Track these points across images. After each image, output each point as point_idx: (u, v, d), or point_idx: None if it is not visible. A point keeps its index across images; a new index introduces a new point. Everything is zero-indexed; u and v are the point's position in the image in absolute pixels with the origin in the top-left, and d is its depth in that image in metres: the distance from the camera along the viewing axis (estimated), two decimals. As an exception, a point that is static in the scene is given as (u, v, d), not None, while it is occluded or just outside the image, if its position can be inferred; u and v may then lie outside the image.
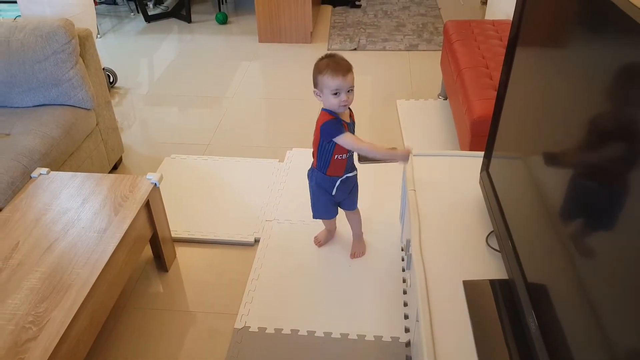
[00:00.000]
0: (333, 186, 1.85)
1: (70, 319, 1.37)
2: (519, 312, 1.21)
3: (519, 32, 1.33)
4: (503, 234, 1.36)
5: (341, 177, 1.83)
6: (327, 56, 1.69)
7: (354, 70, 1.68)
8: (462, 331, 1.27)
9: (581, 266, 0.95)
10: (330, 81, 1.64)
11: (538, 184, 1.19)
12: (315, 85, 1.69)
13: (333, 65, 1.64)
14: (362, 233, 2.08)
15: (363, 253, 2.07)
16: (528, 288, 1.18)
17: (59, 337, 1.32)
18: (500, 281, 1.38)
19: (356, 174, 1.89)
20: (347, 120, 1.74)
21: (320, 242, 2.13)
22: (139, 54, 3.92)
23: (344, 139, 1.68)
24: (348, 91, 1.66)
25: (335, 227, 2.15)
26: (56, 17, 2.27)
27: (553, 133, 1.11)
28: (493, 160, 1.55)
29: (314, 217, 2.00)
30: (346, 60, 1.68)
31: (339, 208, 1.98)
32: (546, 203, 1.13)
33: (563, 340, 1.00)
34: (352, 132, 1.77)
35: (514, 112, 1.39)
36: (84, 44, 2.29)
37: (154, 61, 3.82)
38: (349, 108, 1.75)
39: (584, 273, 0.93)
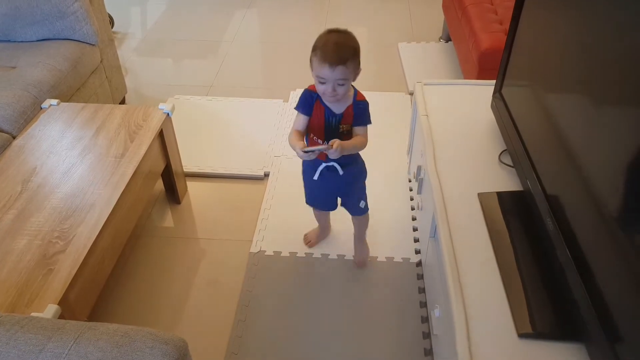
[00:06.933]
0: (315, 169, 1.53)
1: (97, 234, 1.40)
2: (536, 217, 1.26)
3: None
4: (519, 149, 1.40)
5: (326, 163, 1.50)
6: (330, 32, 1.37)
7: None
8: (479, 238, 1.33)
9: (592, 167, 0.99)
10: (316, 65, 1.34)
11: (555, 102, 1.22)
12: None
13: (324, 50, 1.32)
14: (364, 237, 1.81)
15: (366, 260, 1.81)
16: (546, 195, 1.23)
17: (87, 250, 1.35)
18: (513, 192, 1.43)
19: (346, 175, 1.53)
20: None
21: (309, 241, 1.87)
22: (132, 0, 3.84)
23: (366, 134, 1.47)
24: (340, 84, 1.35)
25: (329, 226, 1.91)
26: (57, -51, 2.21)
27: (569, 53, 1.14)
28: (506, 82, 1.58)
29: (306, 201, 1.74)
30: (348, 47, 1.33)
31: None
32: (561, 123, 1.17)
33: (580, 237, 1.06)
34: (333, 125, 1.46)
35: (529, 37, 1.41)
36: (86, -23, 2.25)
37: (147, 7, 3.74)
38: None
39: (596, 174, 0.98)
